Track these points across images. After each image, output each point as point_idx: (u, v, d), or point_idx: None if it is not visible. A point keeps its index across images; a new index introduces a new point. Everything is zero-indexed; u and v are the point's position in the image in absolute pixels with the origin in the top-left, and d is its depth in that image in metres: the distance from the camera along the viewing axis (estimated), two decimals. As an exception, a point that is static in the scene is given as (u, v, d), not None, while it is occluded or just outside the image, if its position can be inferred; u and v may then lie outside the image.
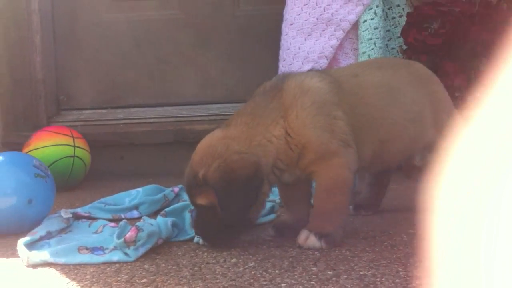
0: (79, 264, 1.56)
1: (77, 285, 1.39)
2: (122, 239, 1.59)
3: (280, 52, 3.00)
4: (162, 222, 1.78)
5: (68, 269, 1.53)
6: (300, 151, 1.64)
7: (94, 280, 1.43)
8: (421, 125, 1.87)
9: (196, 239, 1.74)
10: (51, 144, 2.82)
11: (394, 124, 1.80)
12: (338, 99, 1.70)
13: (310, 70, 1.83)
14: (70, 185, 2.87)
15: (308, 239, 1.62)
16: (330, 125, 1.65)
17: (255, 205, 1.64)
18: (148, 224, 1.70)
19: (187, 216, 1.91)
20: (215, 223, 1.62)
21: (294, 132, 1.64)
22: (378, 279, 1.33)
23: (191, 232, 1.81)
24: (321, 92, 1.69)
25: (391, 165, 1.97)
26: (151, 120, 3.38)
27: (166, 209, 1.95)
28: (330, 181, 1.65)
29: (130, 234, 1.60)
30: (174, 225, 1.80)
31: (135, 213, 2.16)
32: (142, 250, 1.60)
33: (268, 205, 2.04)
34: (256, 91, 1.77)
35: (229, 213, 1.59)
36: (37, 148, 2.80)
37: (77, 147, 2.89)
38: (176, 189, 2.31)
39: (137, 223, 1.69)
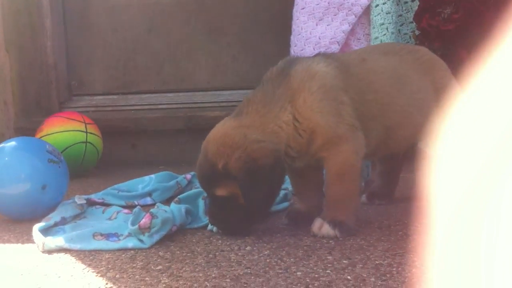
0: (94, 250, 1.57)
1: (93, 271, 1.40)
2: (136, 226, 1.60)
3: (291, 37, 2.98)
4: (176, 209, 1.78)
5: (83, 255, 1.54)
6: (308, 137, 1.63)
7: (109, 266, 1.43)
8: (426, 112, 1.87)
9: (210, 227, 1.74)
10: (63, 130, 2.83)
11: (400, 111, 1.80)
12: (345, 84, 1.69)
13: (317, 54, 1.81)
14: (83, 171, 2.88)
15: (322, 227, 1.62)
16: (337, 109, 1.64)
17: (277, 194, 1.65)
18: (162, 211, 1.70)
19: (201, 203, 1.91)
20: (234, 213, 1.62)
21: (301, 117, 1.63)
22: (394, 269, 1.32)
23: (205, 219, 1.81)
24: (328, 77, 1.67)
25: (396, 152, 1.96)
26: (163, 107, 3.38)
27: (180, 196, 1.95)
28: (339, 166, 1.64)
29: (144, 220, 1.60)
30: (188, 212, 1.81)
31: (148, 200, 2.17)
32: (156, 237, 1.60)
33: (281, 193, 2.04)
34: (264, 76, 1.75)
35: (254, 203, 1.58)
36: (49, 134, 2.81)
37: (89, 133, 2.89)
38: (189, 176, 2.31)
39: (151, 210, 1.69)
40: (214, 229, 1.72)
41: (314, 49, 2.84)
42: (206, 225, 1.77)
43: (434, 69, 1.97)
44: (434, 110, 1.90)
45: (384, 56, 1.91)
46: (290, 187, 2.09)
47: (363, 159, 1.79)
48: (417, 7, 2.71)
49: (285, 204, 1.99)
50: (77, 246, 1.58)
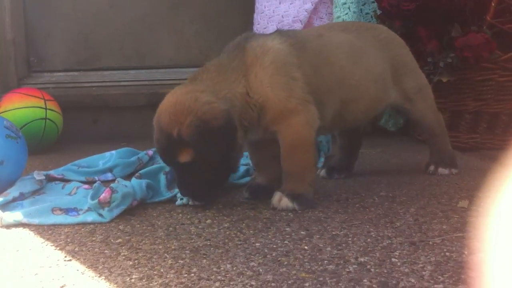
0: (53, 225, 1.56)
1: (52, 245, 1.39)
2: (96, 200, 1.59)
3: (255, 15, 2.99)
4: (136, 184, 1.78)
5: (42, 230, 1.53)
6: (259, 110, 1.66)
7: (68, 240, 1.43)
8: (382, 86, 1.93)
9: (179, 202, 1.74)
10: (22, 106, 2.79)
11: (357, 85, 1.84)
12: (299, 60, 1.71)
13: (275, 31, 1.83)
14: (42, 148, 2.85)
15: (281, 200, 1.64)
16: (288, 84, 1.66)
17: (234, 153, 1.64)
18: (123, 186, 1.70)
19: (162, 178, 1.91)
20: (201, 178, 1.62)
21: (252, 91, 1.65)
22: (350, 239, 1.35)
23: (166, 194, 1.82)
24: (281, 53, 1.69)
25: (354, 126, 2.00)
26: (125, 83, 3.35)
27: (141, 171, 1.95)
28: (291, 138, 1.66)
29: (104, 195, 1.60)
30: (149, 187, 1.81)
31: (109, 176, 2.16)
32: (116, 211, 1.60)
33: (243, 169, 2.06)
34: (222, 50, 1.76)
35: (210, 164, 1.60)
36: (8, 111, 2.76)
37: (49, 109, 2.85)
38: (150, 152, 2.31)
39: (112, 185, 1.69)
40: (189, 202, 1.73)
41: (277, 27, 2.85)
42: (168, 200, 1.77)
43: (392, 46, 2.02)
44: (391, 85, 1.96)
45: (342, 32, 1.95)
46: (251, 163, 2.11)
47: (321, 133, 1.82)
48: (378, -13, 2.74)
49: (247, 179, 2.01)
50: (35, 220, 1.57)
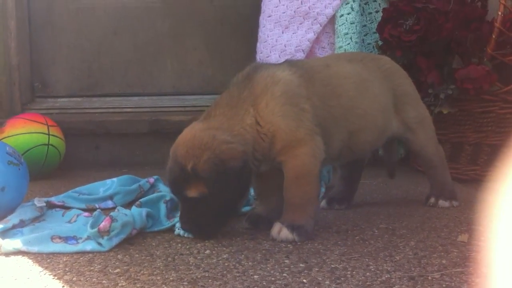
0: (52, 253, 1.56)
1: (50, 274, 1.39)
2: (96, 229, 1.59)
3: (258, 44, 3.01)
4: (136, 212, 1.78)
5: (41, 258, 1.52)
6: (270, 140, 1.66)
7: (67, 269, 1.43)
8: (388, 116, 1.95)
9: (177, 231, 1.74)
10: (25, 132, 2.80)
11: (364, 115, 1.86)
12: (308, 92, 1.73)
13: (284, 62, 1.85)
14: (44, 174, 2.85)
15: (281, 231, 1.64)
16: (297, 115, 1.67)
17: (245, 195, 1.67)
18: (123, 214, 1.70)
19: (162, 206, 1.91)
20: (205, 215, 1.63)
21: (263, 120, 1.66)
22: (349, 273, 1.35)
23: (166, 223, 1.81)
24: (291, 84, 1.71)
25: (359, 156, 2.02)
26: (127, 110, 3.37)
27: (141, 200, 1.95)
28: (297, 170, 1.66)
29: (104, 224, 1.60)
30: (149, 215, 1.81)
31: (109, 203, 2.16)
32: (116, 240, 1.60)
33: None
34: (230, 81, 1.78)
35: (221, 203, 1.60)
36: (11, 136, 2.78)
37: (52, 135, 2.87)
38: (152, 179, 2.31)
39: (111, 213, 1.69)
40: (181, 232, 1.72)
41: (279, 56, 2.88)
42: (168, 229, 1.77)
43: (395, 77, 2.04)
44: (393, 115, 1.98)
45: (348, 62, 1.97)
46: (252, 191, 2.11)
47: (325, 164, 1.82)
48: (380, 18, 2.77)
49: (247, 208, 2.01)
50: (34, 248, 1.57)
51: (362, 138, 1.88)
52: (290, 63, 1.82)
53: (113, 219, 1.62)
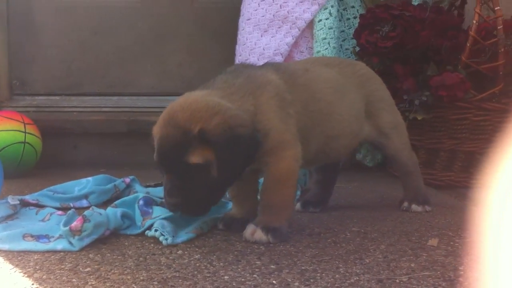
0: (23, 251, 1.55)
1: (20, 271, 1.39)
2: (67, 228, 1.59)
3: (237, 47, 3.03)
4: (111, 212, 1.77)
5: (11, 256, 1.52)
6: (262, 137, 1.60)
7: (37, 267, 1.42)
8: (361, 122, 1.98)
9: (151, 233, 1.67)
10: (1, 129, 2.78)
11: (342, 120, 1.87)
12: (292, 98, 1.73)
13: (266, 64, 1.85)
14: (20, 172, 2.83)
15: (255, 233, 1.64)
16: (286, 118, 1.68)
17: (248, 168, 1.62)
18: (97, 214, 1.69)
19: (137, 208, 1.90)
20: (202, 186, 1.54)
21: (261, 114, 1.61)
22: (318, 274, 1.36)
23: (139, 228, 1.77)
24: (280, 88, 1.71)
25: (334, 160, 2.05)
26: (106, 110, 3.36)
27: (116, 202, 1.91)
28: (280, 172, 1.66)
29: (75, 223, 1.59)
30: (124, 215, 1.79)
31: (84, 202, 2.16)
32: (87, 241, 1.60)
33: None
34: (214, 78, 1.72)
35: (225, 173, 1.53)
36: (-14, 133, 2.75)
37: (28, 133, 2.85)
38: (128, 179, 2.31)
39: (85, 212, 1.68)
40: (150, 233, 1.69)
41: (258, 59, 2.90)
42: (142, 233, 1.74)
43: (370, 82, 2.07)
44: (365, 120, 2.00)
45: (325, 67, 1.99)
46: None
47: (302, 167, 1.84)
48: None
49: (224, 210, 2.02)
50: (5, 246, 1.56)
51: (338, 143, 1.90)
52: (273, 66, 1.81)
53: (85, 219, 1.61)
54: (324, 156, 1.90)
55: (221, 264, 1.45)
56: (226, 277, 1.35)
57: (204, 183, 1.54)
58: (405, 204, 2.11)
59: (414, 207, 2.09)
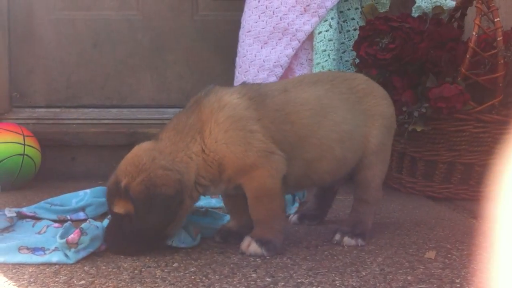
0: (18, 264, 1.55)
1: (14, 285, 1.38)
2: (64, 240, 1.58)
3: (237, 59, 3.03)
4: (107, 225, 1.77)
5: (6, 268, 1.51)
6: (217, 168, 1.66)
7: (32, 280, 1.42)
8: (351, 145, 1.82)
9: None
10: (0, 142, 2.78)
11: (319, 144, 1.76)
12: (258, 114, 1.69)
13: (239, 85, 1.84)
14: (19, 184, 2.83)
15: (250, 246, 1.64)
16: (245, 138, 1.65)
17: (173, 223, 1.64)
18: (94, 227, 1.68)
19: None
20: (127, 233, 1.63)
21: (207, 149, 1.65)
22: (314, 287, 1.36)
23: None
24: (238, 108, 1.68)
25: (320, 185, 1.99)
26: (105, 122, 3.36)
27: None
28: (256, 191, 1.67)
29: (72, 236, 1.59)
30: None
31: (81, 215, 2.15)
32: (83, 254, 1.59)
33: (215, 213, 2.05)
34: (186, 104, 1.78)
35: (145, 226, 1.61)
36: (-15, 145, 2.75)
37: (27, 145, 2.84)
38: (125, 191, 2.30)
39: (82, 225, 1.67)
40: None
41: (258, 71, 2.90)
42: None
43: (369, 97, 1.91)
44: (365, 141, 1.86)
45: (312, 85, 1.86)
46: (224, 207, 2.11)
47: (287, 191, 1.79)
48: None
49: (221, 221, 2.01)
50: (1, 259, 1.56)
51: (319, 167, 1.79)
52: (244, 86, 1.79)
53: (82, 232, 1.61)
54: (308, 180, 1.82)
55: (216, 277, 1.44)
56: (221, 290, 1.34)
57: (128, 230, 1.63)
58: (337, 236, 1.82)
59: (347, 240, 1.80)
